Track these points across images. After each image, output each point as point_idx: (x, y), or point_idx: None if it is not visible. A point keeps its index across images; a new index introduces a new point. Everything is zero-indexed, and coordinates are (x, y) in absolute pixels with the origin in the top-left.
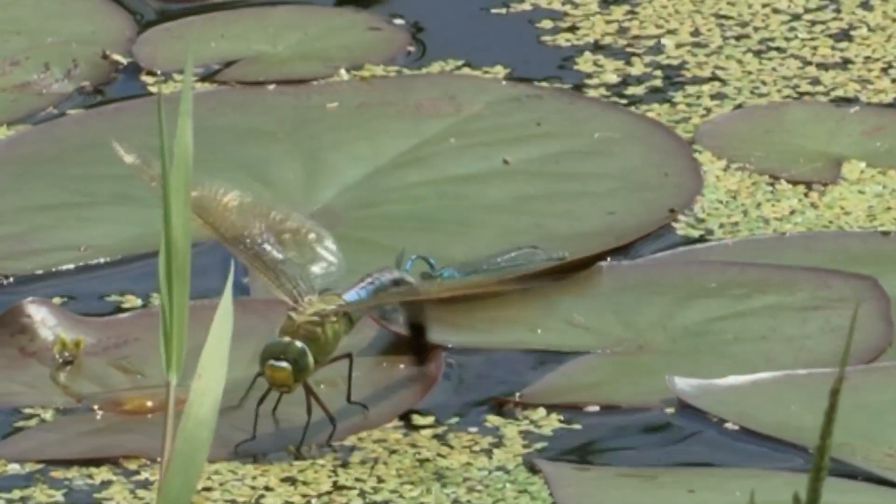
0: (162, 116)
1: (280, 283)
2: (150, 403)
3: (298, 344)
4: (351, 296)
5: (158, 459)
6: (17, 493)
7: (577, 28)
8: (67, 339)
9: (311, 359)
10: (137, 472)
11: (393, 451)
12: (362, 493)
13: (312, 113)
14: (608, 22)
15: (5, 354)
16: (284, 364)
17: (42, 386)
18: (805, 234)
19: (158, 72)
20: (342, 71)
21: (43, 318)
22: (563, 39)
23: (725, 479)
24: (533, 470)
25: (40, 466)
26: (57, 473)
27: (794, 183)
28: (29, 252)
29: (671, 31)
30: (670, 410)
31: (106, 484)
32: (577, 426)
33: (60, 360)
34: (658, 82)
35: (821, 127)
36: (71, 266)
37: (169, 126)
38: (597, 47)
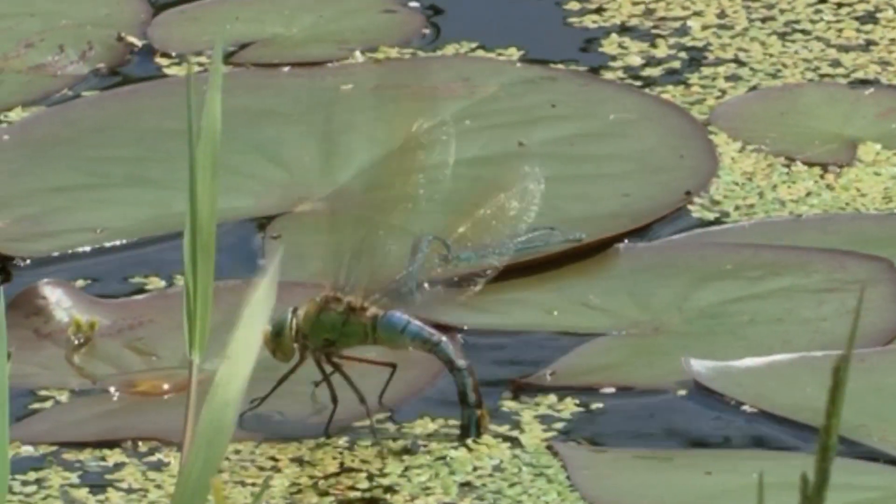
0: (191, 94)
1: (336, 268)
2: (164, 385)
3: (287, 315)
4: (393, 315)
5: (172, 441)
6: (31, 475)
7: (604, 10)
8: (82, 320)
9: (287, 330)
10: (150, 454)
11: (403, 434)
12: (370, 476)
13: (327, 95)
14: (634, 4)
15: (20, 336)
16: (266, 328)
17: (57, 367)
18: (821, 216)
19: (173, 54)
20: (357, 53)
21: (58, 299)
22: (589, 21)
23: (741, 460)
24: (549, 453)
25: (54, 448)
26: (69, 455)
27: (810, 165)
28: (44, 234)
29: (697, 13)
30: (686, 392)
31: (119, 466)
32: (593, 408)
33: (75, 342)
34: (677, 64)
35: (836, 109)
36: (87, 248)
37: (182, 107)
38: (622, 29)
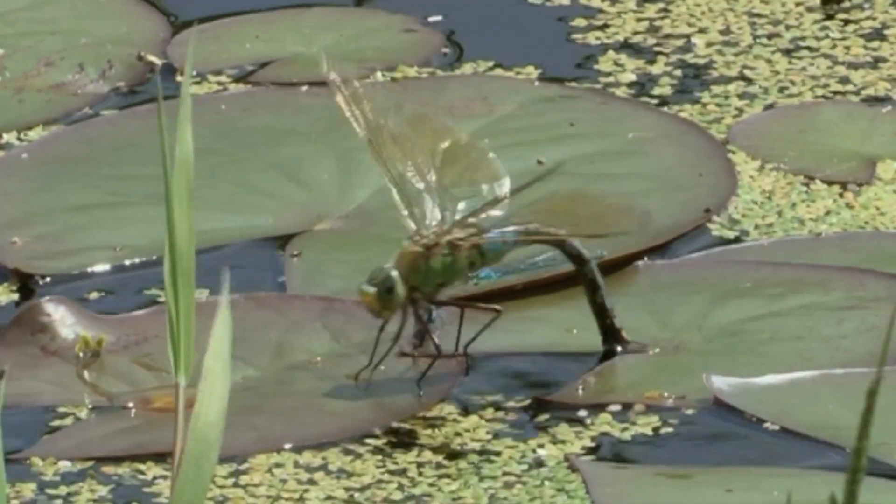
0: (162, 120)
1: (408, 209)
2: None
3: (391, 272)
4: (491, 233)
5: None
6: (63, 489)
7: (608, 26)
8: (90, 336)
9: (399, 287)
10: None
11: (428, 448)
12: (401, 487)
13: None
14: (639, 20)
15: (28, 353)
16: (370, 288)
17: (68, 384)
18: (840, 234)
19: (193, 72)
20: (377, 72)
21: (62, 316)
22: (593, 38)
23: (763, 478)
24: (570, 469)
25: (90, 464)
26: (106, 469)
27: (829, 183)
28: (64, 252)
29: (702, 30)
30: (707, 409)
31: (155, 479)
32: (614, 425)
33: (84, 359)
34: (685, 82)
35: (854, 126)
36: (106, 266)
37: (200, 125)
38: (624, 46)
